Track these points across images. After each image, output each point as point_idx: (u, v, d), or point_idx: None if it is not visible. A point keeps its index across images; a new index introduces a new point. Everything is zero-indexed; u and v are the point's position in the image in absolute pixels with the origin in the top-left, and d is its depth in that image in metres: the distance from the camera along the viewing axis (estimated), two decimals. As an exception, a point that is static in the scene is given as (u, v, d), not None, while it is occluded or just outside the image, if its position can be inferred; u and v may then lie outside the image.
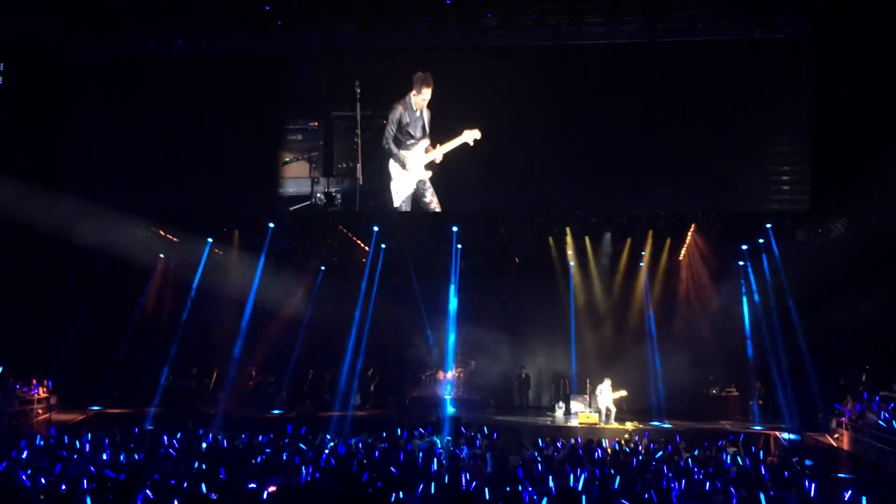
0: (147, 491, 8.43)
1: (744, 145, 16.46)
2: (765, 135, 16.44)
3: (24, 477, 9.43)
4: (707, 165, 16.69)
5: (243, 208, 18.87)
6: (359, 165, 17.89)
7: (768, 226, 18.01)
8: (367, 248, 21.04)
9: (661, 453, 13.55)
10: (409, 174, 17.71)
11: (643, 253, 20.54)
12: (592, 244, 20.76)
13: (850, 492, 9.52)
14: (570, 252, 21.07)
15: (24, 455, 11.53)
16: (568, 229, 20.19)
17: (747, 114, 16.42)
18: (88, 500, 8.13)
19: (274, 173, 17.89)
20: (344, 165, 18.38)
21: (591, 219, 19.53)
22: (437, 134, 17.47)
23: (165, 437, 13.94)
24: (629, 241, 20.44)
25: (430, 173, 17.59)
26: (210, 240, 20.85)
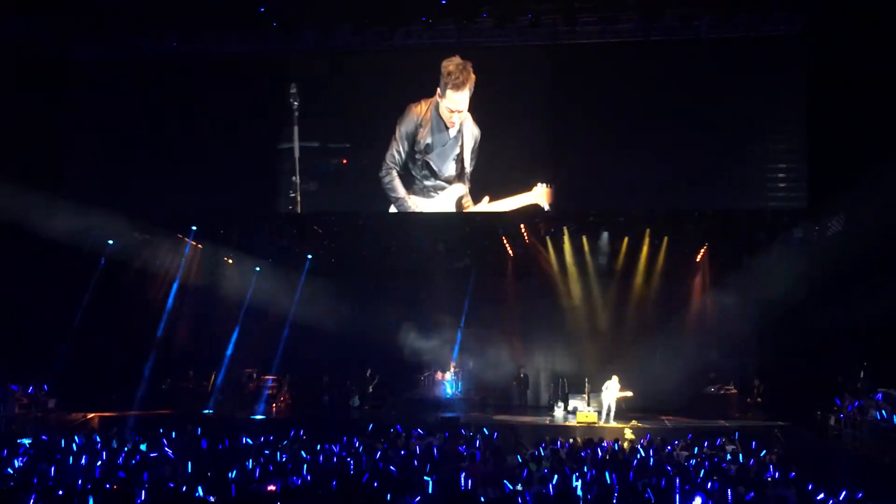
0: (145, 494, 8.42)
1: (741, 143, 16.41)
2: (762, 132, 16.38)
3: (21, 480, 9.41)
4: (704, 163, 16.61)
5: (240, 209, 18.57)
6: None
7: (766, 223, 17.99)
8: (362, 251, 20.97)
9: (660, 452, 13.53)
10: None
11: (640, 252, 20.50)
12: (590, 243, 20.73)
13: (846, 490, 9.49)
14: (567, 251, 21.02)
15: (23, 459, 11.50)
16: (565, 228, 20.15)
17: (744, 111, 16.36)
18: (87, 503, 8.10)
19: (270, 174, 17.31)
20: None
21: (588, 218, 19.50)
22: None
23: (164, 440, 13.94)
24: (626, 239, 20.42)
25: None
26: (207, 240, 20.85)
